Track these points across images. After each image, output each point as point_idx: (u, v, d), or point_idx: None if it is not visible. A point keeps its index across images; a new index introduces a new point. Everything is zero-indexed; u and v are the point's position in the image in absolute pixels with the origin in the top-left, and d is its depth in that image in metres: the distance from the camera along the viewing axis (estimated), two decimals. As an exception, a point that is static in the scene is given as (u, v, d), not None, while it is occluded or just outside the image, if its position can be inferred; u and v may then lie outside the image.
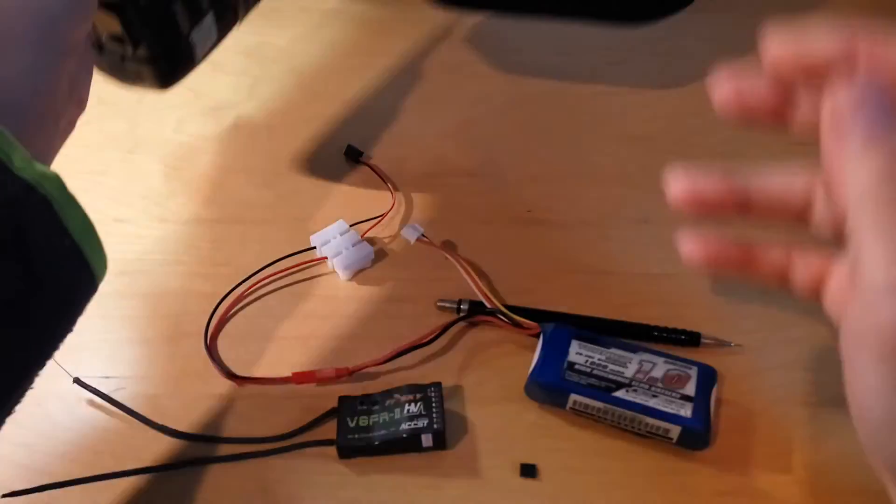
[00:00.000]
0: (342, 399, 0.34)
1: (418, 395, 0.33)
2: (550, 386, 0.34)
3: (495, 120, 0.52)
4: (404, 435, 0.32)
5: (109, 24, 0.39)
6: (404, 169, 0.48)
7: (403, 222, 0.44)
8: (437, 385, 0.34)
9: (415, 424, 0.32)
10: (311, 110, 0.53)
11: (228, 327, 0.39)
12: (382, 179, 0.47)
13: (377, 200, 0.46)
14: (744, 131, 0.51)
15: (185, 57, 0.41)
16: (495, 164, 0.49)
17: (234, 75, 0.54)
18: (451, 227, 0.44)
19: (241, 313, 0.40)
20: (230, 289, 0.40)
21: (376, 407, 0.33)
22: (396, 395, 0.33)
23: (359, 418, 0.33)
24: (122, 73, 0.41)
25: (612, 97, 0.53)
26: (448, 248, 0.41)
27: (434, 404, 0.33)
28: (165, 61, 0.40)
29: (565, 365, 0.34)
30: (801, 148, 0.27)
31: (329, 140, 0.50)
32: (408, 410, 0.32)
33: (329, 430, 0.34)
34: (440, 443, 0.33)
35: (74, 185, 0.47)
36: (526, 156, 0.49)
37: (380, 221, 0.44)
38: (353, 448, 0.32)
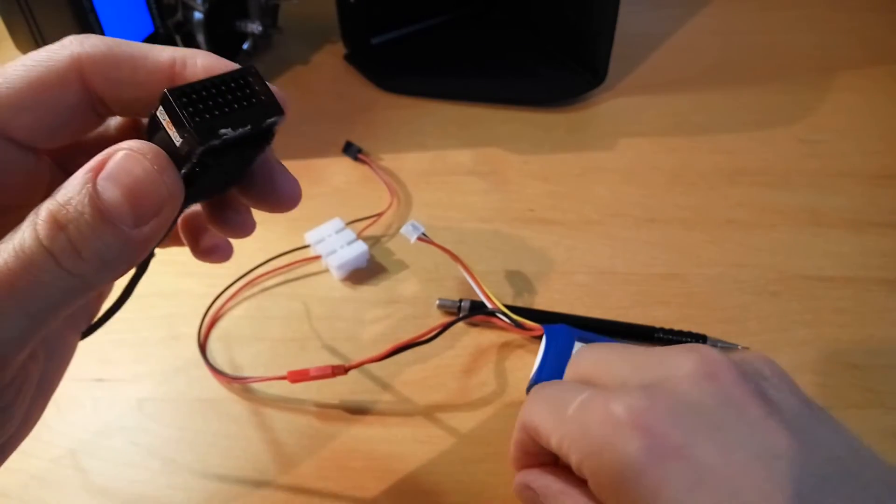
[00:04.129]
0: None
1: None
2: (553, 389, 0.33)
3: (497, 117, 0.51)
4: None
5: None
6: (404, 166, 0.47)
7: (403, 220, 0.43)
8: (247, 67, 0.21)
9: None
10: (309, 105, 0.53)
11: (222, 327, 0.38)
12: (380, 177, 0.46)
13: (376, 198, 0.45)
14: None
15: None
16: (497, 161, 0.48)
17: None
18: (452, 226, 0.43)
19: (234, 313, 0.39)
20: (223, 288, 0.39)
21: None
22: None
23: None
24: None
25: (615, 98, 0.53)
26: (449, 246, 0.40)
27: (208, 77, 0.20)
28: None
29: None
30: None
31: (327, 136, 0.49)
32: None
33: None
34: (176, 116, 0.19)
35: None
36: (528, 154, 0.48)
37: (376, 220, 0.43)
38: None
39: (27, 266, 0.17)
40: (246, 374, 0.36)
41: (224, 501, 0.32)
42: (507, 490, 0.32)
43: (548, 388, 0.26)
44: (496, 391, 0.35)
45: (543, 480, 0.26)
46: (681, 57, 0.56)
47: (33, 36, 0.41)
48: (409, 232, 0.39)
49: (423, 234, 0.39)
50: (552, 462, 0.27)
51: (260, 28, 0.51)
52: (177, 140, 0.19)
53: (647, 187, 0.46)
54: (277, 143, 0.21)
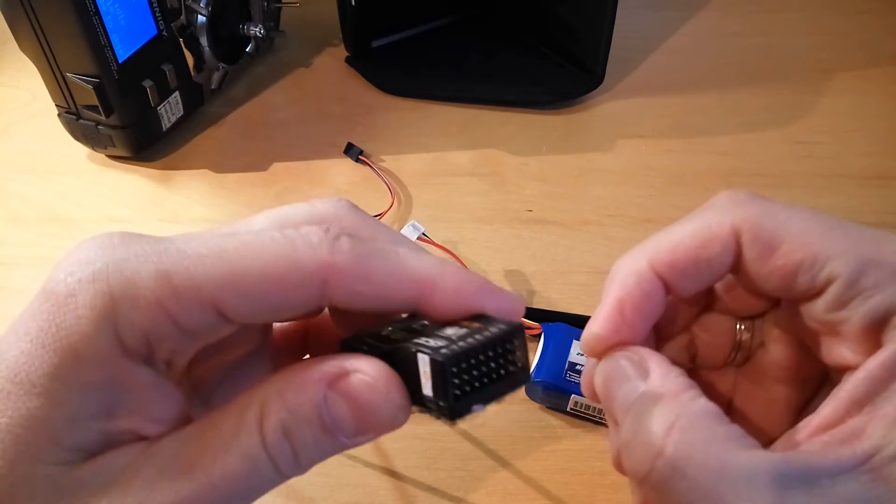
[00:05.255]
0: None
1: (476, 325, 0.19)
2: (551, 386, 0.33)
3: (496, 119, 0.52)
4: (406, 344, 0.19)
5: (86, 95, 0.43)
6: (405, 168, 0.48)
7: (404, 221, 0.44)
8: (515, 328, 0.19)
9: (426, 342, 0.19)
10: (311, 107, 0.53)
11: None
12: (381, 178, 0.47)
13: (377, 199, 0.45)
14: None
15: (153, 127, 0.47)
16: (496, 163, 0.48)
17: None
18: (451, 226, 0.44)
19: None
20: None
21: (430, 325, 0.20)
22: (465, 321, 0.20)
23: (398, 330, 0.20)
24: (96, 138, 0.46)
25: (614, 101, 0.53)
26: (449, 246, 0.41)
27: (478, 336, 0.19)
28: (134, 130, 0.46)
29: (566, 365, 0.34)
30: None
31: (329, 138, 0.50)
32: (444, 330, 0.19)
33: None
34: (440, 381, 0.18)
35: (74, 186, 0.47)
36: (527, 155, 0.49)
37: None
38: (356, 344, 0.21)
39: (250, 471, 0.17)
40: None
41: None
42: (505, 486, 0.32)
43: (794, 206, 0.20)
44: (495, 389, 0.36)
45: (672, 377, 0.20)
46: (678, 59, 0.57)
47: (37, 38, 0.41)
48: (409, 232, 0.39)
49: (424, 234, 0.39)
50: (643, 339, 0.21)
51: (262, 31, 0.51)
52: (428, 397, 0.18)
53: (645, 188, 0.46)
54: (279, 144, 0.21)
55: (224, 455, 0.17)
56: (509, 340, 0.18)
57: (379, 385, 0.17)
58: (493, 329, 0.18)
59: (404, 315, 0.20)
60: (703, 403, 0.19)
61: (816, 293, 0.19)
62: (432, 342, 0.18)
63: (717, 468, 0.17)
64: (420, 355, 0.18)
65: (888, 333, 0.18)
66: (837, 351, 0.19)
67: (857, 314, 0.18)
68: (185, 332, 0.17)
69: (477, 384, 0.18)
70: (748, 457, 0.17)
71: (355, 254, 0.18)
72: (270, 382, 0.18)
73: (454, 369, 0.17)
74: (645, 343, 0.22)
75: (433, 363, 0.17)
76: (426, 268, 0.18)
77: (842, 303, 0.18)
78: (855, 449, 0.17)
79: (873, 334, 0.18)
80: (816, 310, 0.19)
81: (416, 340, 0.18)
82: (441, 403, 0.18)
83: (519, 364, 0.19)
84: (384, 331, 0.20)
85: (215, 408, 0.19)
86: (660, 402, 0.19)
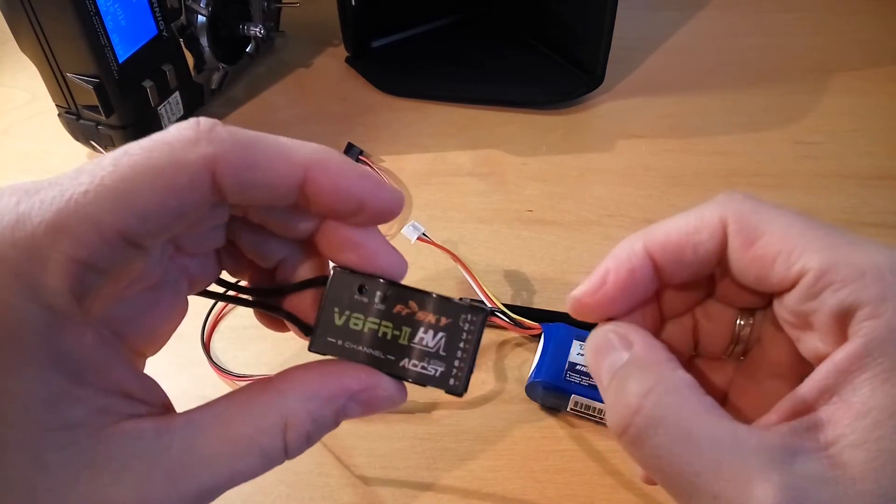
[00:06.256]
0: (338, 272, 0.22)
1: (444, 320, 0.21)
2: (551, 386, 0.33)
3: (496, 119, 0.52)
4: (408, 372, 0.22)
5: (86, 95, 0.43)
6: (405, 168, 0.48)
7: (404, 221, 0.44)
8: (478, 312, 0.22)
9: (424, 368, 0.21)
10: (311, 107, 0.53)
11: (226, 326, 0.39)
12: (381, 178, 0.47)
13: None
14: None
15: (153, 128, 0.46)
16: (496, 163, 0.48)
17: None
18: (451, 226, 0.44)
19: (238, 311, 0.39)
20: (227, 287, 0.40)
21: (381, 307, 0.22)
22: (414, 304, 0.22)
23: (351, 316, 0.22)
24: (96, 138, 0.47)
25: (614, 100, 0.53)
26: (449, 246, 0.41)
27: (463, 343, 0.22)
28: (134, 130, 0.46)
29: (566, 365, 0.34)
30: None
31: (329, 138, 0.50)
32: (422, 339, 0.21)
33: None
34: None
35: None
36: (527, 155, 0.49)
37: (379, 220, 0.44)
38: (330, 350, 0.22)
39: (267, 465, 0.19)
40: (249, 372, 0.36)
41: (227, 500, 0.32)
42: (505, 485, 0.32)
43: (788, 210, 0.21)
44: (495, 389, 0.36)
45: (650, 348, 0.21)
46: (677, 59, 0.57)
47: (37, 38, 0.42)
48: (409, 232, 0.39)
49: (424, 234, 0.39)
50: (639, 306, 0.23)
51: (262, 31, 0.51)
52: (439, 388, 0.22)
53: (644, 188, 0.46)
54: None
55: (245, 455, 0.19)
56: (484, 323, 0.22)
57: (395, 399, 0.21)
58: (469, 326, 0.22)
59: (356, 292, 0.21)
60: (680, 374, 0.20)
61: (790, 285, 0.20)
62: (430, 368, 0.22)
63: (686, 430, 0.18)
64: (435, 387, 0.22)
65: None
66: (811, 343, 0.20)
67: (827, 305, 0.19)
68: (100, 273, 0.17)
69: (471, 362, 0.22)
70: (715, 424, 0.19)
71: (236, 141, 0.18)
72: (288, 392, 0.20)
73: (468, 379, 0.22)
74: (642, 320, 0.24)
75: (452, 392, 0.22)
76: (309, 151, 0.19)
77: (812, 294, 0.19)
78: (818, 437, 0.18)
79: (841, 326, 0.19)
80: (791, 301, 0.20)
81: (410, 365, 0.21)
82: (453, 392, 0.22)
83: (476, 316, 0.22)
84: (352, 323, 0.22)
85: (128, 339, 0.20)
86: (641, 370, 0.20)
